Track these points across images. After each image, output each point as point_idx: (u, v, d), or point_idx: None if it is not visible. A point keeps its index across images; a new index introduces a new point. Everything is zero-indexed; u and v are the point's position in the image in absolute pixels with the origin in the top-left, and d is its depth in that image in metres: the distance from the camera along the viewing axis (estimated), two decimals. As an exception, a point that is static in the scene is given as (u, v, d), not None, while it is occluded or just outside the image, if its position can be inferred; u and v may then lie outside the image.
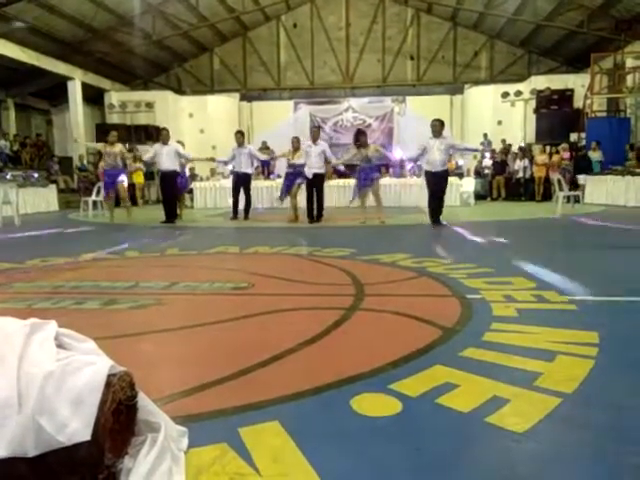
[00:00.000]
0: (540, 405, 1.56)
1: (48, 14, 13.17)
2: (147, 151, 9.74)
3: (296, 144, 8.68)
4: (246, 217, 9.19)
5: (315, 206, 8.55)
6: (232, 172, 9.55)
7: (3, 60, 13.18)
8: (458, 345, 2.13)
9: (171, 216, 8.62)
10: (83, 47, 15.21)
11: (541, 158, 13.87)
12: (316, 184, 8.47)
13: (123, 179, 8.60)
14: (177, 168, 8.79)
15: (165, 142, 8.55)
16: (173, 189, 8.77)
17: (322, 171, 8.54)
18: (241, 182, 9.24)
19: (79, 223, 8.97)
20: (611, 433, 1.42)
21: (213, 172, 14.93)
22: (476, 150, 8.87)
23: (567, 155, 13.58)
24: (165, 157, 8.47)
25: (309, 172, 8.34)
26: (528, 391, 1.66)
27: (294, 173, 8.68)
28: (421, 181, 13.77)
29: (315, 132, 8.80)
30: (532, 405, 1.56)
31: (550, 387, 1.68)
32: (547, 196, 13.15)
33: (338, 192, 12.69)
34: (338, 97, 18.75)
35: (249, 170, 9.30)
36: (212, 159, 9.35)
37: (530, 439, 1.37)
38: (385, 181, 12.09)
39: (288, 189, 8.82)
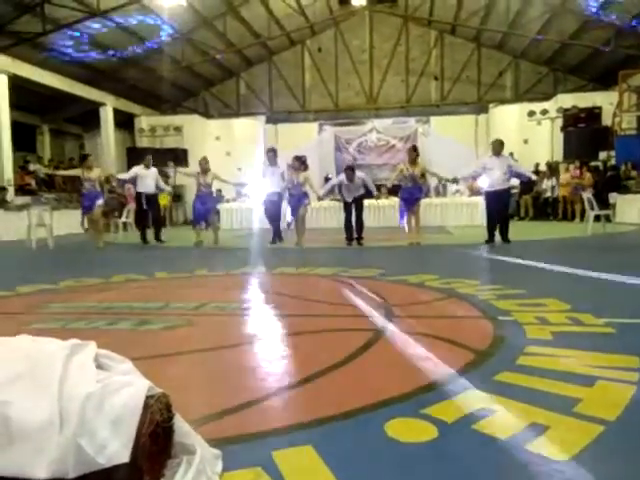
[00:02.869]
0: (582, 432, 1.50)
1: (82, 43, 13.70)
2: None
3: (297, 165, 8.19)
4: (280, 239, 8.83)
5: (354, 227, 8.17)
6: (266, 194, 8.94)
7: (40, 88, 13.74)
8: (492, 369, 2.08)
9: (157, 237, 9.17)
10: (115, 74, 15.76)
11: (565, 177, 13.65)
12: (356, 204, 8.17)
13: (100, 203, 8.72)
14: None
15: (149, 166, 9.00)
16: (159, 210, 9.60)
17: (361, 194, 8.19)
18: (278, 203, 8.76)
19: (108, 244, 9.14)
20: (659, 463, 1.35)
21: (239, 193, 15.14)
22: (529, 177, 8.89)
23: (577, 173, 13.37)
24: (150, 180, 8.96)
25: (349, 197, 8.11)
26: (568, 417, 1.60)
27: (299, 194, 8.22)
28: (448, 200, 13.78)
29: (349, 174, 8.03)
30: (573, 432, 1.51)
31: (591, 414, 1.62)
32: (576, 215, 12.90)
33: (379, 212, 12.82)
34: (362, 118, 18.89)
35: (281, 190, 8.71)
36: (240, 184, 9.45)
37: (575, 468, 1.32)
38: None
39: (294, 212, 8.30)
